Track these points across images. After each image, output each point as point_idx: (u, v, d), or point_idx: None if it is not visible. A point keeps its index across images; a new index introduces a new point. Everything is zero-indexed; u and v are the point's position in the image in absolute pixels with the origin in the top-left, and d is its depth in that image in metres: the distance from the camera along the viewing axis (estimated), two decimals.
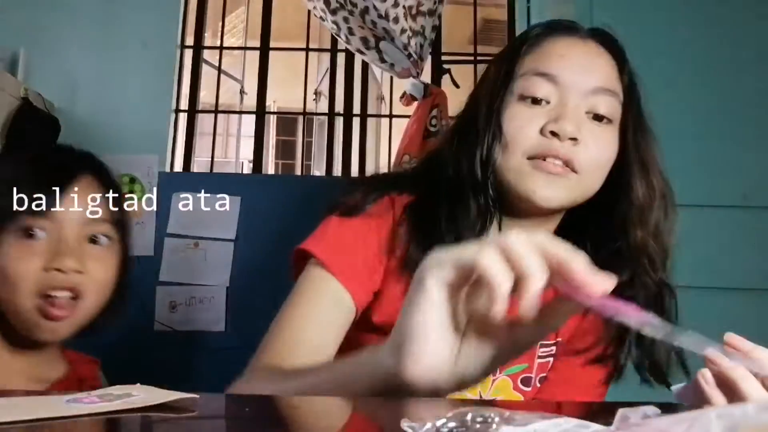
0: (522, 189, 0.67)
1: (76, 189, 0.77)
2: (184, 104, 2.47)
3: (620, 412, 0.31)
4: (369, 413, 0.46)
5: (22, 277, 0.73)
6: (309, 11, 2.33)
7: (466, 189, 0.69)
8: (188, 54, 2.50)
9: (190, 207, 2.07)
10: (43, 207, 0.74)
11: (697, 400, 0.47)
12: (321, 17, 2.17)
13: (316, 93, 3.41)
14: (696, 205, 1.50)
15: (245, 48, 3.40)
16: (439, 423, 0.29)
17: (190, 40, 2.51)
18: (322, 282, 0.67)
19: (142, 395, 0.40)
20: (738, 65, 1.60)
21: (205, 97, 2.62)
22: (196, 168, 2.49)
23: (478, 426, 0.28)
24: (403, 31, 2.03)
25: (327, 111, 2.64)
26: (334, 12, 2.08)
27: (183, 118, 2.47)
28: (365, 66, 2.48)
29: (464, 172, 0.69)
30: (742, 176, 1.52)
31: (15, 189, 0.74)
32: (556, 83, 0.68)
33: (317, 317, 0.65)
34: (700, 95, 1.59)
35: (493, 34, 2.76)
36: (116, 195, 0.84)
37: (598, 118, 0.69)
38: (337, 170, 2.49)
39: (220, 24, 2.63)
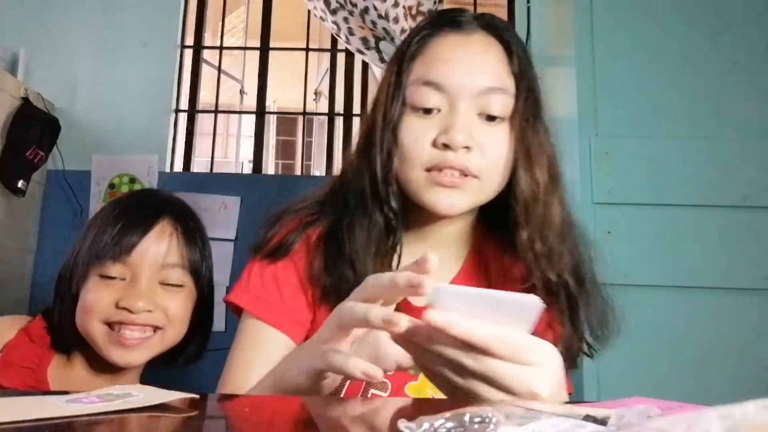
0: (425, 200, 0.68)
1: (153, 235, 0.85)
2: (184, 104, 2.47)
3: (617, 411, 0.31)
4: (367, 413, 0.46)
5: (95, 309, 0.83)
6: (309, 11, 2.33)
7: (370, 205, 0.70)
8: (188, 54, 2.50)
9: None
10: (121, 253, 0.83)
11: None
12: (321, 17, 2.17)
13: (316, 93, 3.41)
14: (696, 205, 1.50)
15: (245, 48, 3.40)
16: (437, 423, 0.29)
17: (190, 40, 2.51)
18: (257, 330, 0.70)
19: (141, 395, 0.40)
20: (738, 65, 1.59)
21: (205, 97, 2.62)
22: (196, 168, 2.49)
23: (476, 426, 0.28)
24: (403, 31, 2.03)
25: (327, 111, 2.64)
26: (334, 12, 2.08)
27: (183, 118, 2.47)
28: (365, 66, 2.48)
29: (367, 189, 0.70)
30: (742, 176, 1.52)
31: (102, 235, 0.84)
32: (443, 91, 0.68)
33: (259, 362, 0.68)
34: (700, 95, 1.59)
35: None
36: (195, 239, 0.89)
37: (490, 118, 0.69)
38: (337, 170, 2.48)
39: (220, 24, 2.63)
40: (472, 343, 0.40)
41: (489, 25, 0.74)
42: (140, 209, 0.88)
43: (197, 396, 0.42)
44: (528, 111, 0.71)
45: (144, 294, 0.83)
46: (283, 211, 0.78)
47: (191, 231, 0.89)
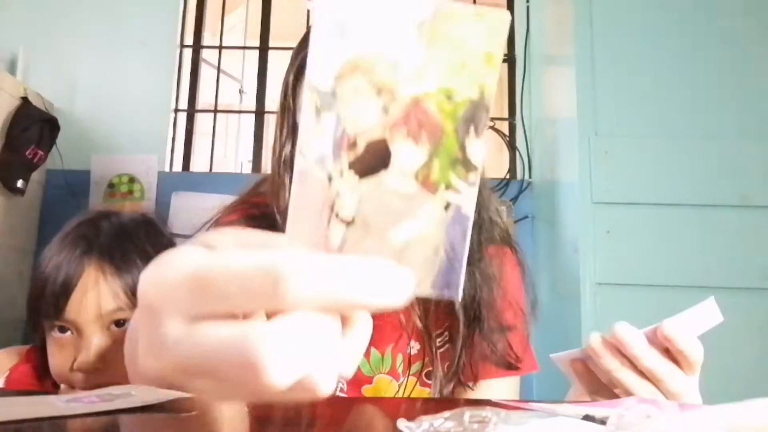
0: None
1: (79, 290, 0.77)
2: (183, 104, 2.47)
3: (617, 411, 0.31)
4: (366, 413, 0.46)
5: (56, 374, 0.77)
6: (309, 11, 2.33)
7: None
8: (187, 54, 2.50)
9: (190, 207, 2.07)
10: (58, 313, 0.75)
11: (580, 366, 0.58)
12: None
13: None
14: (695, 205, 1.50)
15: (244, 48, 3.40)
16: (436, 423, 0.29)
17: (189, 40, 2.51)
18: None
19: (141, 395, 0.39)
20: (738, 65, 1.59)
21: (205, 96, 2.61)
22: (195, 168, 2.49)
23: (475, 426, 0.28)
24: None
25: None
26: None
27: (182, 117, 2.46)
28: None
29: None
30: (742, 176, 1.52)
31: (41, 290, 0.77)
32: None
33: None
34: (700, 95, 1.59)
35: None
36: (130, 266, 0.80)
37: None
38: None
39: (220, 23, 2.63)
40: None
41: None
42: (64, 264, 0.80)
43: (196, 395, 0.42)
44: None
45: (92, 346, 0.75)
46: (225, 207, 0.76)
47: (125, 261, 0.80)
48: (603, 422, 0.32)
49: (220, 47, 2.60)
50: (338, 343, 0.24)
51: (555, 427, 0.30)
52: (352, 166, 0.24)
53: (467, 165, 0.24)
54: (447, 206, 0.24)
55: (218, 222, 0.74)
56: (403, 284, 0.22)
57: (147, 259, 0.81)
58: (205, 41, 2.60)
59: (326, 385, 0.23)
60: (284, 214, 0.54)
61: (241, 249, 0.25)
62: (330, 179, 0.24)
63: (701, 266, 1.48)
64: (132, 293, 0.78)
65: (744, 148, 1.54)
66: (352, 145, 0.24)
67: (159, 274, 0.24)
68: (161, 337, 0.23)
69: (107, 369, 0.76)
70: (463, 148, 0.24)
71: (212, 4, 2.57)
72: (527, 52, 2.29)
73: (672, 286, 1.47)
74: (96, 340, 0.76)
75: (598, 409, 0.35)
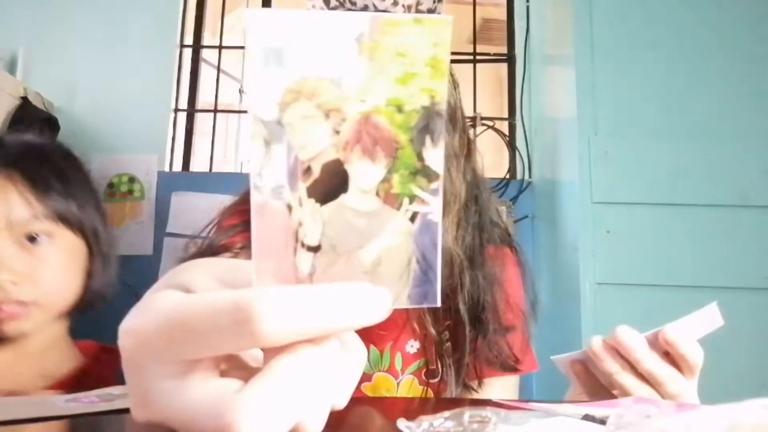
0: None
1: None
2: (183, 104, 2.47)
3: (617, 411, 0.31)
4: (366, 413, 0.46)
5: None
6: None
7: None
8: (187, 53, 2.50)
9: (190, 207, 2.07)
10: None
11: (580, 368, 0.58)
12: None
13: None
14: (695, 205, 1.50)
15: (245, 48, 3.40)
16: (436, 422, 0.29)
17: (189, 40, 2.51)
18: None
19: None
20: (738, 65, 1.59)
21: (205, 96, 2.61)
22: (195, 167, 2.49)
23: (475, 426, 0.28)
24: None
25: None
26: (333, 11, 2.08)
27: (182, 117, 2.46)
28: None
29: None
30: (742, 176, 1.52)
31: None
32: None
33: None
34: (700, 95, 1.59)
35: (492, 33, 2.76)
36: (50, 185, 0.76)
37: None
38: None
39: (220, 23, 2.63)
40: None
41: None
42: None
43: None
44: None
45: (6, 259, 0.70)
46: (225, 209, 0.75)
47: (37, 174, 0.75)
48: (603, 422, 0.32)
49: (220, 47, 2.60)
50: (331, 378, 0.24)
51: (555, 427, 0.30)
52: (310, 192, 0.24)
53: (428, 174, 0.24)
54: (413, 217, 0.24)
55: (220, 226, 0.74)
56: (379, 302, 0.23)
57: (61, 177, 0.76)
58: (205, 41, 2.60)
59: (315, 428, 0.23)
60: None
61: (216, 287, 0.25)
62: (290, 208, 0.24)
63: (701, 266, 1.48)
64: (54, 215, 0.75)
65: (744, 149, 1.54)
66: (307, 170, 0.24)
67: (136, 323, 0.23)
68: (145, 390, 0.23)
69: (24, 284, 0.72)
70: (421, 157, 0.24)
71: (212, 4, 2.57)
72: (527, 52, 2.29)
73: (672, 286, 1.47)
74: (6, 250, 0.71)
75: (598, 409, 0.35)
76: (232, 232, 0.68)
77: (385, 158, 0.24)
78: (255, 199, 0.24)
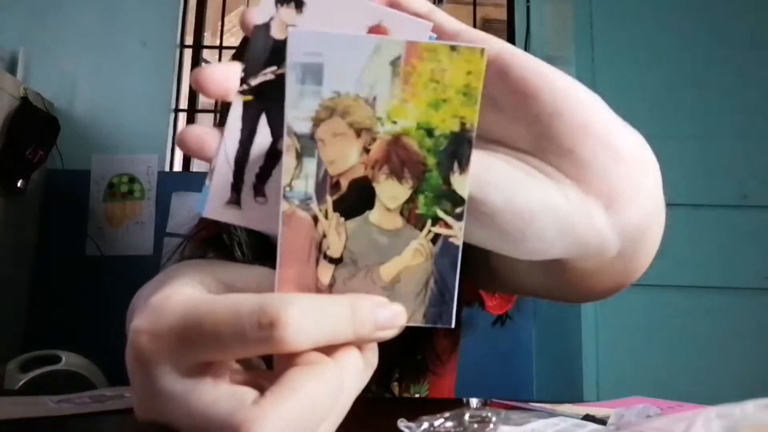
0: None
1: None
2: (183, 104, 2.47)
3: (617, 411, 0.31)
4: (365, 413, 0.46)
5: None
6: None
7: None
8: (188, 53, 2.50)
9: (190, 207, 2.07)
10: None
11: None
12: None
13: None
14: (696, 205, 1.50)
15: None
16: (436, 423, 0.29)
17: (189, 40, 2.51)
18: None
19: None
20: (738, 65, 1.59)
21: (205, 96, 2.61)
22: (195, 168, 2.49)
23: (475, 426, 0.28)
24: None
25: None
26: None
27: (183, 117, 2.46)
28: None
29: None
30: (742, 176, 1.52)
31: None
32: None
33: None
34: (700, 95, 1.59)
35: (492, 33, 2.75)
36: None
37: None
38: None
39: (220, 23, 2.63)
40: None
41: None
42: None
43: None
44: None
45: None
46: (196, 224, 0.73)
47: None
48: (603, 422, 0.32)
49: (220, 47, 2.60)
50: (350, 399, 0.24)
51: (555, 427, 0.30)
52: (336, 206, 0.24)
53: (453, 198, 0.24)
54: (435, 239, 0.25)
55: (193, 241, 0.72)
56: (395, 318, 0.23)
57: None
58: (205, 41, 2.60)
59: None
60: None
61: (220, 289, 0.25)
62: (316, 220, 0.24)
63: (701, 266, 1.48)
64: None
65: (744, 148, 1.54)
66: (335, 185, 0.24)
67: (149, 322, 0.23)
68: (154, 391, 0.23)
69: None
70: (447, 181, 0.24)
71: (212, 4, 2.57)
72: (527, 51, 2.29)
73: (672, 286, 1.47)
74: None
75: (598, 409, 0.35)
76: (206, 246, 0.65)
77: (412, 179, 0.24)
78: (283, 208, 0.24)
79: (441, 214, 0.25)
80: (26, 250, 2.18)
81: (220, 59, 2.60)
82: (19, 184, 2.06)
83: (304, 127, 0.24)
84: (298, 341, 0.21)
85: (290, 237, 0.24)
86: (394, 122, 0.24)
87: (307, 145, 0.24)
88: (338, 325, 0.22)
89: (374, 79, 0.24)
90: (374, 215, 0.25)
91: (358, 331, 0.22)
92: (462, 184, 0.25)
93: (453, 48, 0.24)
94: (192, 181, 2.27)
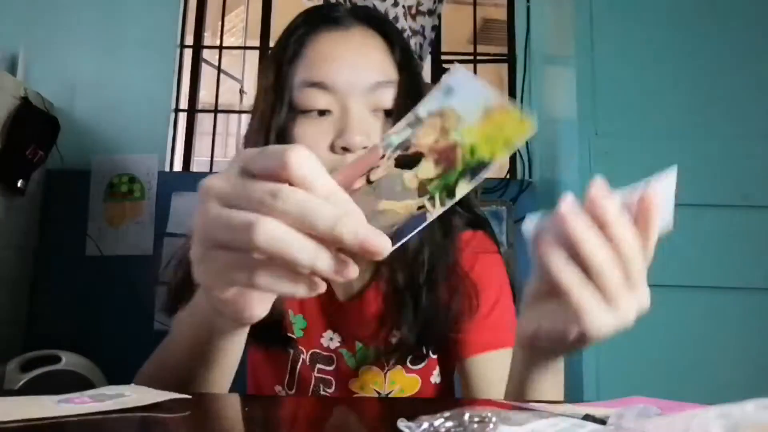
0: None
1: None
2: (183, 104, 2.47)
3: (617, 411, 0.31)
4: (365, 413, 0.46)
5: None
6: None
7: None
8: (188, 54, 2.50)
9: (190, 207, 2.07)
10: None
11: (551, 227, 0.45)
12: None
13: None
14: (696, 205, 1.50)
15: (245, 47, 3.40)
16: (436, 422, 0.29)
17: (189, 40, 2.51)
18: None
19: (134, 395, 0.39)
20: (738, 65, 1.59)
21: (205, 96, 2.61)
22: (195, 168, 2.49)
23: (475, 426, 0.28)
24: (402, 30, 2.03)
25: None
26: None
27: (183, 117, 2.46)
28: None
29: None
30: (742, 176, 1.52)
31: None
32: (332, 91, 0.65)
33: None
34: (701, 95, 1.58)
35: (492, 33, 2.76)
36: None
37: (387, 113, 0.66)
38: None
39: (220, 23, 2.63)
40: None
41: (366, 17, 0.71)
42: None
43: (189, 396, 0.41)
44: (413, 101, 0.69)
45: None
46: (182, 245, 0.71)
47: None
48: (603, 422, 0.32)
49: (220, 47, 2.60)
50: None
51: (555, 427, 0.29)
52: (399, 159, 0.37)
53: (450, 194, 0.35)
54: (420, 207, 0.36)
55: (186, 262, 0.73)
56: (364, 230, 0.32)
57: None
58: (205, 41, 2.60)
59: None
60: None
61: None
62: (383, 156, 0.37)
63: (702, 266, 1.48)
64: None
65: (745, 148, 1.53)
66: (407, 148, 0.37)
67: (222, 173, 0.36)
68: (192, 256, 0.36)
69: None
70: (456, 183, 0.35)
71: (212, 4, 2.57)
72: (527, 52, 2.29)
73: (672, 286, 1.47)
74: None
75: (598, 409, 0.35)
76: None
77: (442, 170, 0.36)
78: (378, 145, 0.38)
79: (436, 197, 0.36)
80: (26, 250, 2.18)
81: (220, 59, 2.60)
82: (19, 184, 2.06)
83: (423, 113, 0.37)
84: (299, 171, 0.32)
85: (366, 156, 0.38)
86: (462, 136, 0.36)
87: (416, 122, 0.37)
88: (329, 206, 0.32)
89: (471, 109, 0.36)
90: (408, 174, 0.37)
91: (334, 216, 0.32)
92: (464, 188, 0.35)
93: (523, 118, 0.35)
94: (192, 181, 2.27)
